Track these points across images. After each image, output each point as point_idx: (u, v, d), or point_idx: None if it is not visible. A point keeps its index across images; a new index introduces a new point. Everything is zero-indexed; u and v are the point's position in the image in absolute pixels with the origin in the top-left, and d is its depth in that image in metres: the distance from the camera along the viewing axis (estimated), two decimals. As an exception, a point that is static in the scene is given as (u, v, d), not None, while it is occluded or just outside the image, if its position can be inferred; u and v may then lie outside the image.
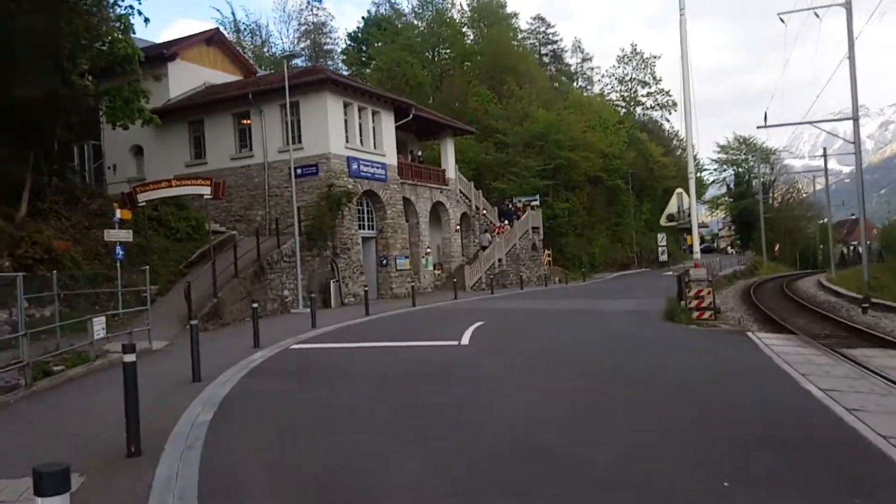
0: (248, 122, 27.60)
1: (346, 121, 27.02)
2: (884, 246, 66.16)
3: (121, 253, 15.54)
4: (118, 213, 15.98)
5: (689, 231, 18.94)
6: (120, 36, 17.16)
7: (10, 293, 13.85)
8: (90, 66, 17.06)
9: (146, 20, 17.07)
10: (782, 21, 26.15)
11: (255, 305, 14.00)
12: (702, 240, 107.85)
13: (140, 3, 18.57)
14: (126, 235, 15.94)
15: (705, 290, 16.16)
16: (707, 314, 16.05)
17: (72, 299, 15.63)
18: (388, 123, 29.60)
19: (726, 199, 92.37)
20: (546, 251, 41.86)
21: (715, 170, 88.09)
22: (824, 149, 53.20)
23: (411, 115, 30.34)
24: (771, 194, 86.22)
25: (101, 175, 29.01)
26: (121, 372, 6.44)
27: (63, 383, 9.88)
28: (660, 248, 59.81)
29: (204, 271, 18.46)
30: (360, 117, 27.88)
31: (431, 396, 8.41)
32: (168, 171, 26.04)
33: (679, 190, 20.86)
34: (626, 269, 53.02)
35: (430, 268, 33.06)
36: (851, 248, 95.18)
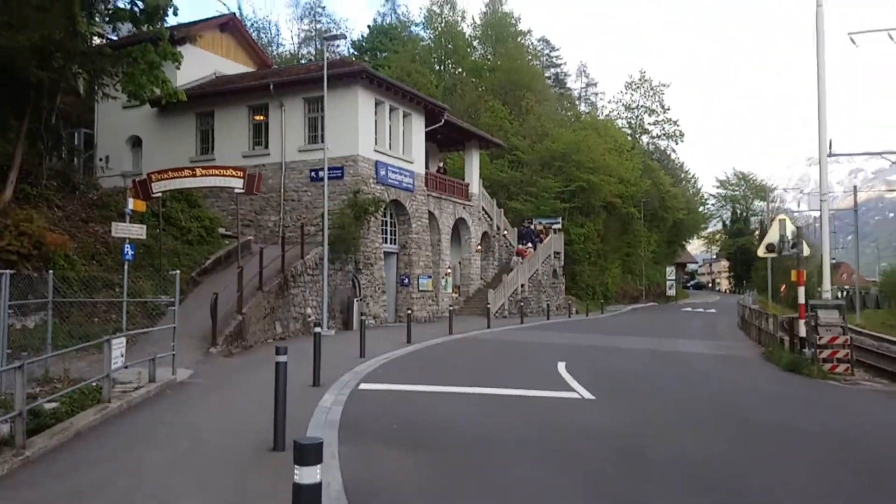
0: (262, 117, 24.54)
1: (376, 121, 24.13)
2: (882, 292, 65.33)
3: (130, 252, 12.33)
4: (130, 204, 12.77)
5: (799, 265, 16.24)
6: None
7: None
8: (110, 16, 13.86)
9: (175, 10, 13.84)
10: (853, 42, 23.66)
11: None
12: (691, 276, 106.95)
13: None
14: (139, 231, 12.73)
15: (841, 338, 13.43)
16: (842, 367, 13.32)
17: (62, 308, 12.34)
18: (418, 127, 26.79)
19: (722, 235, 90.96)
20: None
21: (713, 205, 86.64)
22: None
23: (443, 121, 27.55)
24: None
25: (92, 167, 25.54)
26: (150, 421, 6.40)
27: (71, 440, 6.64)
28: (668, 282, 57.70)
29: (223, 281, 15.27)
30: (390, 118, 25.02)
31: None
32: (169, 167, 22.73)
33: (782, 216, 18.25)
34: (635, 301, 50.53)
35: (450, 290, 30.05)
36: (844, 292, 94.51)
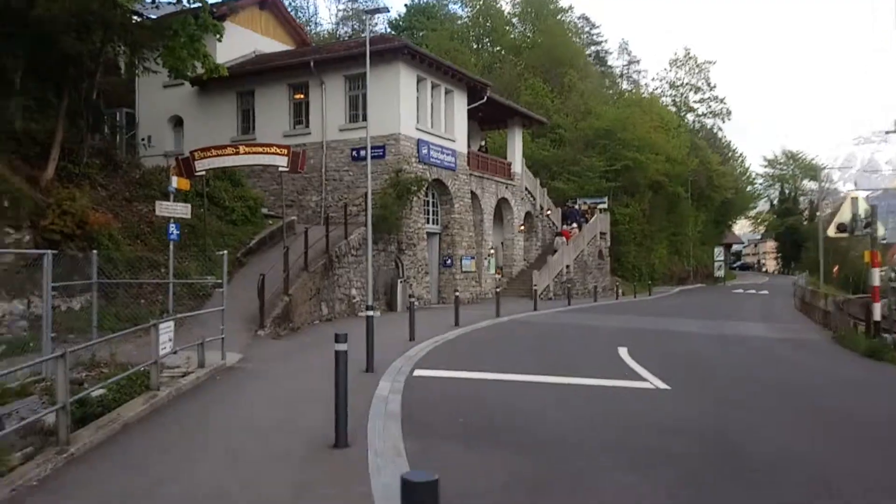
0: (302, 96, 24.03)
1: (417, 98, 23.42)
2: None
3: (175, 232, 11.94)
4: (174, 182, 12.36)
5: (873, 246, 15.10)
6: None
7: (31, 277, 10.30)
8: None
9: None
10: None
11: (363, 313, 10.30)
12: (737, 256, 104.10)
13: None
14: (184, 211, 12.32)
15: (927, 322, 12.38)
16: (930, 352, 12.28)
17: (108, 290, 12.05)
18: (460, 105, 25.99)
19: (770, 215, 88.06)
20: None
21: (760, 185, 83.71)
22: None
23: (486, 98, 26.68)
24: (818, 213, 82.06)
25: (134, 147, 25.43)
26: (201, 412, 5.96)
27: (118, 434, 6.19)
28: (716, 263, 56.05)
29: (268, 261, 14.86)
30: (432, 96, 24.28)
31: None
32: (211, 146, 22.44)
33: (855, 194, 17.06)
34: (683, 283, 49.11)
35: (493, 271, 29.34)
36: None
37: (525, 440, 6.45)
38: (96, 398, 7.23)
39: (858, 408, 8.53)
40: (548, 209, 34.52)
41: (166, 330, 7.59)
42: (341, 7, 57.22)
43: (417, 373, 9.65)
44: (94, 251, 10.25)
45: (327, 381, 7.04)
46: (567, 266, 31.85)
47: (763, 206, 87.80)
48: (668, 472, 5.50)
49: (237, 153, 15.14)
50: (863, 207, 15.71)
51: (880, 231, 15.82)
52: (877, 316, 15.17)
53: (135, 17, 14.84)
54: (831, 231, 16.76)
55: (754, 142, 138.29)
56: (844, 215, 15.77)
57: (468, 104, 26.39)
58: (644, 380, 9.69)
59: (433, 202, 25.40)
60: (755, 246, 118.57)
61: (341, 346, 5.94)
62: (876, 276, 15.25)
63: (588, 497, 4.98)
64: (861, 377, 11.20)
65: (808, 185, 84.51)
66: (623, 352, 12.53)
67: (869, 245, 15.39)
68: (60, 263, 10.90)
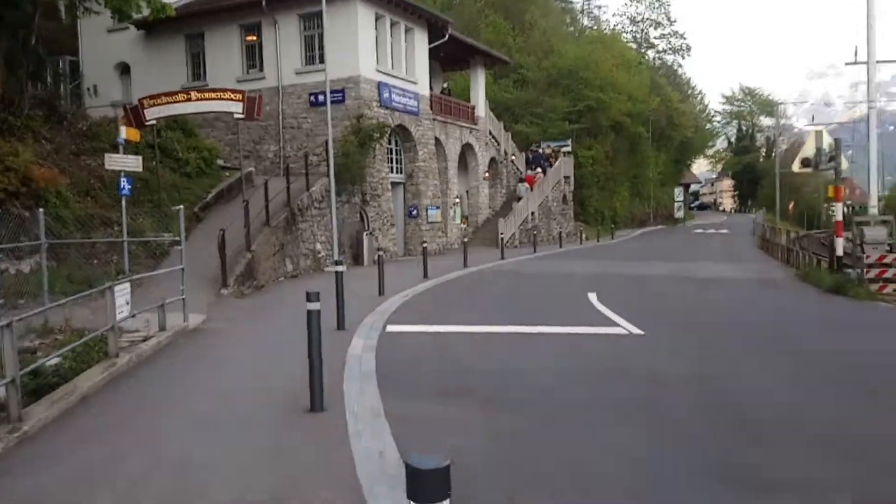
0: (254, 37, 22.88)
1: (377, 38, 22.49)
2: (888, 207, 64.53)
3: (127, 187, 11.29)
4: (123, 132, 11.62)
5: (835, 182, 15.22)
6: None
7: (-27, 240, 9.66)
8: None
9: None
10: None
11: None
12: (695, 196, 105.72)
13: None
14: (135, 163, 11.64)
15: (889, 257, 12.62)
16: (891, 287, 12.57)
17: (58, 250, 11.43)
18: (421, 45, 25.10)
19: (727, 153, 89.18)
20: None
21: (718, 122, 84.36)
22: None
23: (447, 36, 25.80)
24: (775, 150, 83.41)
25: (80, 98, 24.07)
26: (164, 378, 5.74)
27: (75, 407, 5.82)
28: (676, 204, 56.73)
29: (227, 216, 14.30)
30: (391, 35, 23.34)
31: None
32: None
33: (819, 128, 17.13)
34: (644, 225, 49.67)
35: (458, 221, 29.05)
36: (849, 207, 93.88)
37: (506, 396, 6.31)
38: (51, 368, 6.82)
39: (833, 345, 8.66)
40: (512, 154, 34.13)
41: (122, 292, 7.16)
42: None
43: (390, 328, 9.43)
44: (41, 209, 9.61)
45: (298, 341, 6.76)
46: (532, 213, 31.76)
47: (721, 144, 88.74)
48: (659, 427, 5.41)
49: (189, 100, 14.32)
50: (826, 142, 15.79)
51: (844, 165, 15.98)
52: (839, 251, 15.45)
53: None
54: (795, 166, 16.92)
55: (713, 77, 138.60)
56: (808, 150, 15.85)
57: (429, 43, 25.50)
58: (617, 325, 9.66)
59: (396, 150, 24.78)
60: (712, 185, 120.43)
61: (314, 306, 5.62)
62: (839, 211, 15.47)
63: (576, 454, 4.86)
64: (829, 314, 11.42)
65: (765, 121, 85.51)
66: (593, 297, 12.51)
67: (824, 180, 15.55)
68: (5, 224, 10.25)
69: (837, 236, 15.36)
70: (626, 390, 6.48)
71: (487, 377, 6.95)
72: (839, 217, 15.36)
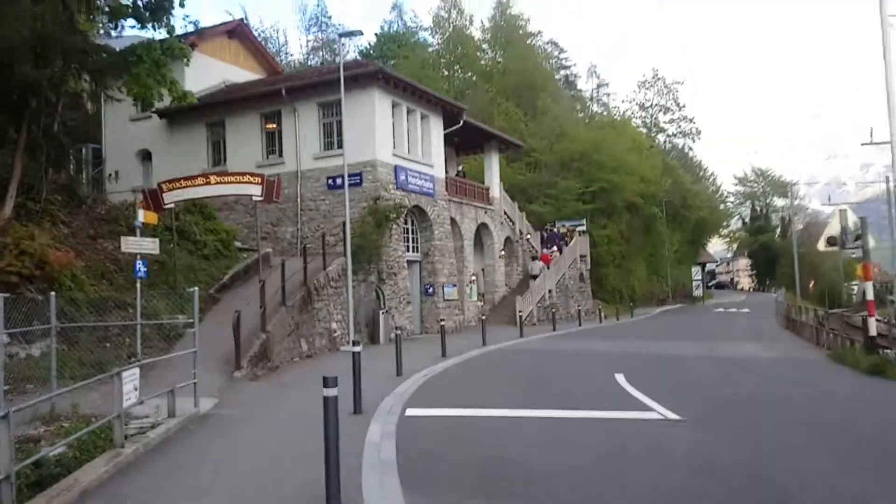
0: (274, 125, 23.45)
1: (393, 124, 22.98)
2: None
3: (143, 269, 11.17)
4: (141, 215, 11.59)
5: (864, 260, 14.84)
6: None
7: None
8: (111, 11, 12.69)
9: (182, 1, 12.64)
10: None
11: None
12: (712, 275, 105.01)
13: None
14: (152, 246, 11.56)
15: (931, 335, 12.06)
16: (935, 367, 11.94)
17: (70, 333, 11.19)
18: (436, 130, 25.61)
19: (742, 233, 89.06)
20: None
21: (732, 203, 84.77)
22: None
23: (462, 122, 26.35)
24: (789, 229, 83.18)
25: (101, 183, 24.55)
26: (171, 470, 5.32)
27: None
28: (694, 283, 56.19)
29: (243, 297, 14.10)
30: (408, 121, 23.88)
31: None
32: (181, 177, 21.62)
33: (843, 207, 16.90)
34: (663, 303, 48.97)
35: (475, 298, 28.73)
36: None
37: (541, 491, 5.77)
38: (54, 458, 6.43)
39: (884, 432, 8.04)
40: (527, 233, 34.14)
41: (131, 378, 6.83)
42: (311, 38, 56.71)
43: (409, 412, 8.96)
44: (53, 293, 9.43)
45: (313, 428, 6.34)
46: (549, 290, 31.40)
47: (735, 224, 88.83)
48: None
49: (208, 183, 14.42)
50: (851, 220, 15.51)
51: (871, 243, 15.62)
52: (872, 331, 14.89)
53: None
54: (821, 245, 16.56)
55: (724, 160, 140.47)
56: (833, 228, 15.54)
57: (444, 129, 26.02)
58: (651, 409, 9.11)
59: (413, 229, 24.83)
60: (728, 264, 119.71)
61: (331, 392, 5.24)
62: (870, 290, 15.00)
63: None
64: (878, 397, 10.77)
65: (778, 202, 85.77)
66: (621, 378, 11.97)
67: (844, 258, 15.17)
68: (18, 308, 10.07)
69: (870, 315, 14.85)
70: (673, 483, 5.93)
71: (520, 469, 6.42)
72: (870, 296, 14.88)
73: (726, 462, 6.54)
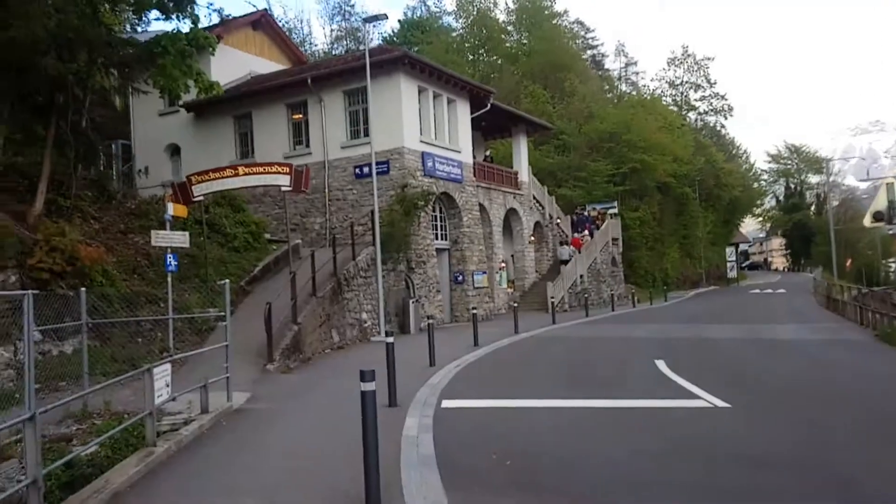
0: (301, 116, 23.30)
1: (420, 109, 22.65)
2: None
3: (173, 263, 11.08)
4: (170, 209, 11.53)
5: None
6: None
7: (17, 321, 9.38)
8: (135, 4, 12.58)
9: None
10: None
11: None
12: (745, 256, 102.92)
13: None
14: (182, 239, 11.48)
15: None
16: None
17: (102, 329, 11.16)
18: (463, 115, 25.19)
19: (776, 211, 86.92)
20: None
21: (765, 181, 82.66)
22: None
23: (489, 105, 25.89)
24: (825, 206, 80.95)
25: (131, 178, 24.71)
26: (204, 470, 5.12)
27: (105, 506, 5.24)
28: (728, 264, 55.06)
29: (274, 288, 13.99)
30: (434, 106, 23.50)
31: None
32: (210, 170, 21.62)
33: (890, 180, 16.18)
34: (696, 286, 48.06)
35: (504, 285, 28.40)
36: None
37: (587, 486, 5.49)
38: (86, 458, 6.33)
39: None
40: (557, 218, 33.61)
41: (162, 374, 6.69)
42: (335, 27, 56.49)
43: (445, 404, 8.72)
44: (83, 289, 9.37)
45: (348, 422, 6.12)
46: (581, 275, 30.91)
47: (769, 202, 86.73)
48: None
49: (237, 174, 14.30)
50: (903, 195, 14.81)
51: (922, 218, 14.94)
52: (925, 311, 14.25)
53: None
54: (867, 221, 15.89)
55: (757, 137, 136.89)
56: (880, 203, 14.86)
57: (471, 113, 25.60)
58: (697, 397, 8.73)
59: (441, 217, 24.54)
60: (761, 244, 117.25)
61: (368, 386, 5.01)
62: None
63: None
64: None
65: (813, 178, 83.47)
66: (661, 365, 11.59)
67: (880, 235, 14.50)
68: (50, 304, 10.04)
69: (924, 294, 14.23)
70: (729, 477, 5.58)
71: (566, 465, 6.12)
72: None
73: (786, 455, 6.16)
